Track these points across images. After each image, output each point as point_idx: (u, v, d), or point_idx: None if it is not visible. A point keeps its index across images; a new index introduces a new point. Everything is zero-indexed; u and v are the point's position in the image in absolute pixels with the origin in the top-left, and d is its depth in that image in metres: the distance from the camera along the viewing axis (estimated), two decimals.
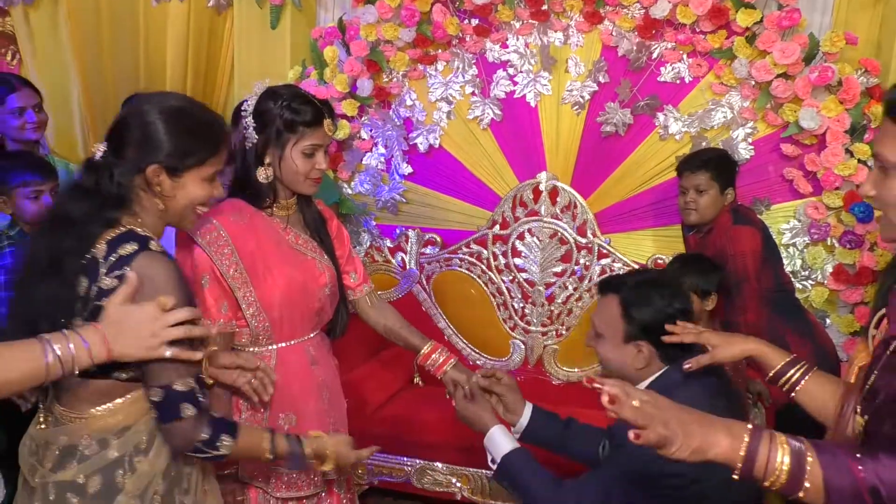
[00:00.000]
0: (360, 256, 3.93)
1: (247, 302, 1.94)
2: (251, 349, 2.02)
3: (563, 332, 3.68)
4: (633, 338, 1.86)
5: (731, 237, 2.83)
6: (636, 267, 3.55)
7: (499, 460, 1.95)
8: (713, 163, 2.95)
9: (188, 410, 1.49)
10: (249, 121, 1.95)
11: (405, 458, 3.20)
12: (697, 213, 2.95)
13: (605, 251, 3.59)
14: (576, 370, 3.65)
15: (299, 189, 2.02)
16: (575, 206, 3.61)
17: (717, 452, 1.22)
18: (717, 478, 1.64)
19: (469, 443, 3.02)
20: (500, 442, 1.98)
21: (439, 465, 3.17)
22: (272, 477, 2.00)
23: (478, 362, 3.77)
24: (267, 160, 1.96)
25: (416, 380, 2.32)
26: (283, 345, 2.03)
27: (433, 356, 2.21)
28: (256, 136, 1.95)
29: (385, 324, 2.26)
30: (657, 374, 1.86)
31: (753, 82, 3.31)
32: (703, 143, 3.43)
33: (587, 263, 3.61)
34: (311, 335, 2.11)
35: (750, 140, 3.40)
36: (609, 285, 1.93)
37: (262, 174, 1.97)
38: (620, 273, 1.96)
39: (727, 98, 3.40)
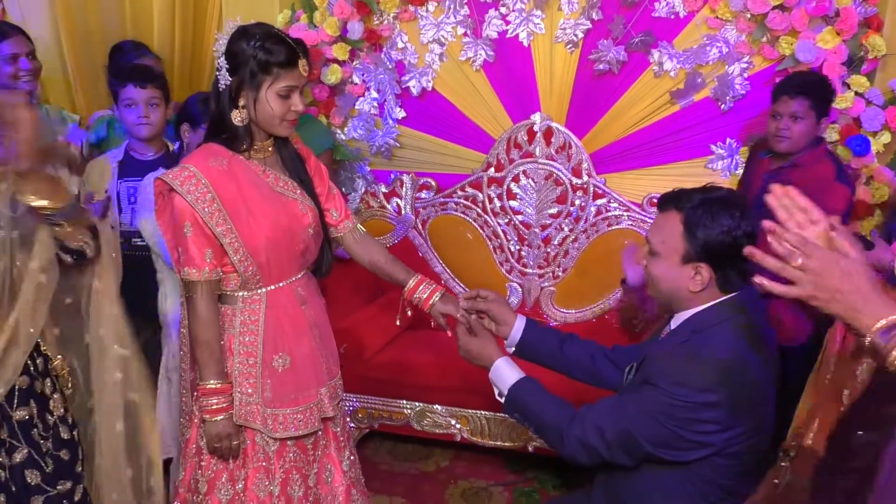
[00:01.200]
0: (356, 203, 3.93)
1: (232, 248, 1.95)
2: (240, 293, 2.03)
3: (560, 273, 3.69)
4: (692, 259, 1.74)
5: (828, 192, 2.61)
6: (630, 206, 3.54)
7: (506, 392, 1.94)
8: (814, 88, 2.78)
9: None
10: (222, 61, 1.92)
11: (404, 402, 3.25)
12: (790, 142, 2.79)
13: (600, 191, 3.58)
14: (573, 311, 3.67)
15: (276, 131, 2.00)
16: (570, 147, 3.58)
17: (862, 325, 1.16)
18: (745, 427, 1.67)
19: (467, 384, 3.05)
20: (506, 373, 1.96)
21: (438, 407, 3.21)
22: (269, 419, 2.03)
23: None
24: (241, 102, 1.94)
25: (398, 319, 2.29)
26: (272, 287, 2.05)
27: (419, 290, 2.20)
28: (230, 78, 1.92)
29: (370, 259, 2.25)
30: (710, 304, 1.77)
31: (749, 15, 3.25)
32: (699, 80, 3.39)
33: (583, 204, 3.60)
34: (299, 275, 2.12)
35: (746, 75, 3.36)
36: (671, 200, 1.78)
37: (237, 117, 1.95)
38: (684, 188, 1.82)
39: (722, 32, 3.35)
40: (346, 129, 3.94)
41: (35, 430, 1.86)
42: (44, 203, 1.73)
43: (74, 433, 1.97)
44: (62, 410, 1.94)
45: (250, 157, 2.02)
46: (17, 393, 1.87)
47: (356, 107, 3.90)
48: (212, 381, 1.98)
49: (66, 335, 1.98)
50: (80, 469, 1.97)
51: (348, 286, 3.41)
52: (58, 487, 1.91)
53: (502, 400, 1.95)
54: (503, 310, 2.12)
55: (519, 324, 2.12)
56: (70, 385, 1.98)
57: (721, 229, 1.71)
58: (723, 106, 3.41)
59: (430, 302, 2.18)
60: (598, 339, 3.39)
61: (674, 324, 1.85)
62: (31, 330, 1.82)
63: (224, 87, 1.94)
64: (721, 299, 1.77)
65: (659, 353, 1.80)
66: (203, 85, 3.88)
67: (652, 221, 1.84)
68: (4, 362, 1.78)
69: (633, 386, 1.84)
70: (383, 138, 3.89)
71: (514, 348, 2.12)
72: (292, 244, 2.04)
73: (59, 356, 1.96)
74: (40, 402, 1.89)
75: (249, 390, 2.03)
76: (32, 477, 1.87)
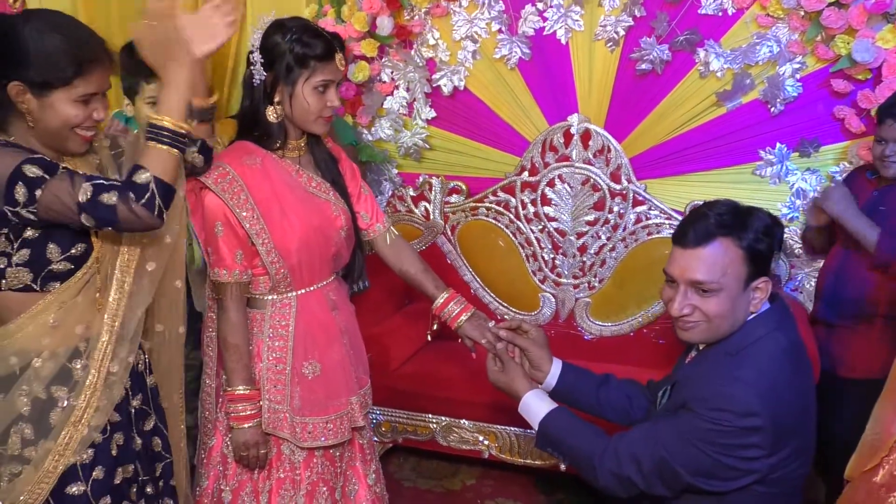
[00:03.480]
0: (382, 207, 3.99)
1: (265, 249, 2.02)
2: (270, 297, 2.10)
3: (596, 284, 3.73)
4: (753, 278, 1.77)
5: None
6: (672, 213, 3.56)
7: (536, 427, 1.98)
8: None
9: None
10: (256, 56, 1.99)
11: (430, 416, 3.31)
12: None
13: (640, 198, 3.62)
14: (609, 324, 3.71)
15: (311, 128, 2.07)
16: (608, 151, 3.62)
17: None
18: (790, 449, 1.70)
19: (497, 399, 3.09)
20: (535, 407, 2.00)
21: (466, 422, 3.26)
22: (297, 427, 2.10)
23: (506, 317, 3.82)
24: (276, 98, 2.01)
25: (429, 334, 2.35)
26: (303, 291, 2.12)
27: (449, 306, 2.25)
28: (265, 73, 1.99)
29: (401, 268, 2.31)
30: (744, 324, 1.81)
31: (802, 12, 3.28)
32: (747, 81, 3.42)
33: (621, 211, 3.64)
34: (330, 279, 2.19)
35: (798, 76, 3.38)
36: (712, 230, 1.77)
37: (272, 113, 2.02)
38: (697, 213, 1.82)
39: (773, 31, 3.38)
40: (373, 129, 4.01)
41: (157, 399, 1.94)
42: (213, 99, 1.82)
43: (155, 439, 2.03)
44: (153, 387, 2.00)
45: (283, 155, 2.09)
46: (147, 360, 1.95)
47: (384, 106, 3.96)
48: (240, 387, 2.04)
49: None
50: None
51: (377, 292, 3.47)
52: (170, 457, 2.00)
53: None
54: (541, 354, 2.15)
55: (555, 370, 2.15)
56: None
57: (766, 234, 1.78)
58: (773, 109, 3.44)
59: (458, 322, 2.24)
60: (636, 354, 3.52)
61: (701, 346, 1.89)
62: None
63: (259, 82, 2.01)
64: (754, 316, 1.82)
65: (692, 376, 1.84)
66: (225, 81, 3.96)
67: (684, 259, 1.80)
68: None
69: (668, 412, 1.86)
70: (412, 139, 3.96)
71: (547, 393, 2.14)
72: (324, 247, 2.11)
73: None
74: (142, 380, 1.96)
75: (278, 397, 2.10)
76: (156, 444, 1.96)
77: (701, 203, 3.32)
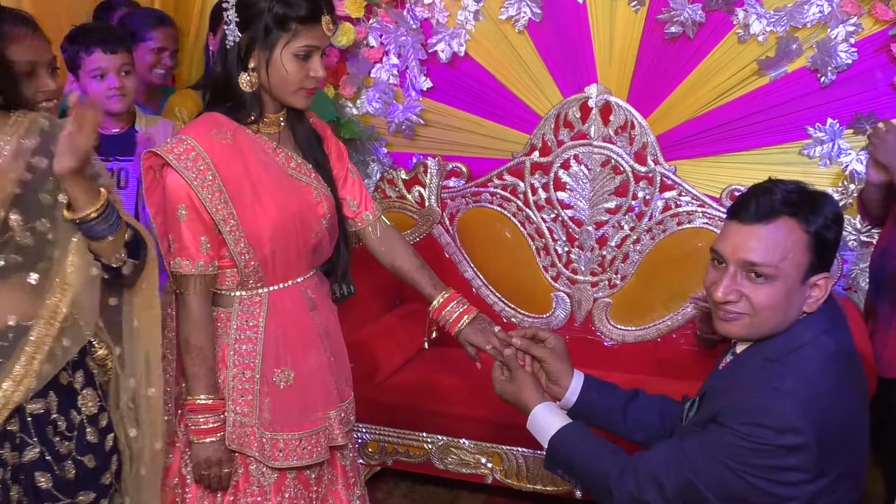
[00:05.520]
0: (370, 191, 3.98)
1: (233, 237, 2.02)
2: (238, 293, 2.11)
3: (618, 282, 3.74)
4: (814, 271, 1.76)
5: None
6: (706, 200, 3.57)
7: (546, 445, 1.97)
8: None
9: None
10: (232, 14, 1.98)
11: (424, 434, 3.32)
12: None
13: (669, 182, 3.63)
14: (633, 328, 3.72)
15: (289, 101, 2.07)
16: (632, 127, 3.63)
17: None
18: (837, 472, 1.70)
19: (502, 416, 3.10)
20: (545, 423, 1.99)
21: (466, 441, 3.27)
22: (267, 444, 2.10)
23: (513, 320, 3.84)
24: (251, 64, 2.01)
25: (426, 342, 2.35)
26: (276, 287, 2.12)
27: (448, 308, 2.24)
28: (239, 34, 1.99)
29: (393, 263, 2.30)
30: (791, 325, 1.80)
31: None
32: (794, 46, 3.42)
33: (647, 197, 3.65)
34: (308, 275, 2.19)
35: (852, 41, 3.38)
36: (777, 206, 1.75)
37: (246, 81, 2.02)
38: (761, 187, 1.79)
39: None
40: (358, 101, 4.02)
41: (51, 427, 1.94)
42: (88, 212, 1.85)
43: (108, 438, 2.03)
44: (94, 409, 2.00)
45: (258, 130, 2.09)
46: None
47: (372, 75, 3.97)
48: (202, 396, 2.05)
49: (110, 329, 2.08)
50: (109, 480, 2.04)
51: (364, 290, 3.45)
52: (78, 498, 1.97)
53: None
54: (561, 366, 2.14)
55: (576, 384, 2.14)
56: (108, 378, 2.06)
57: (831, 218, 1.77)
58: (823, 78, 3.44)
59: (458, 326, 2.22)
60: (664, 363, 3.52)
61: (738, 348, 1.89)
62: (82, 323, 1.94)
63: (232, 43, 2.00)
64: (803, 318, 1.80)
65: (725, 385, 1.83)
66: (188, 44, 3.96)
67: (740, 236, 1.78)
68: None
69: (695, 426, 1.85)
70: (404, 113, 3.96)
71: (566, 411, 2.13)
72: (303, 237, 2.11)
73: (104, 345, 2.04)
74: (65, 396, 1.96)
75: (245, 409, 2.10)
76: (44, 481, 1.93)
77: (741, 188, 3.33)
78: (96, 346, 2.02)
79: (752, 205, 1.76)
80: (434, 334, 2.34)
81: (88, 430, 1.99)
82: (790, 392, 1.69)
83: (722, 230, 1.83)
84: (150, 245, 2.05)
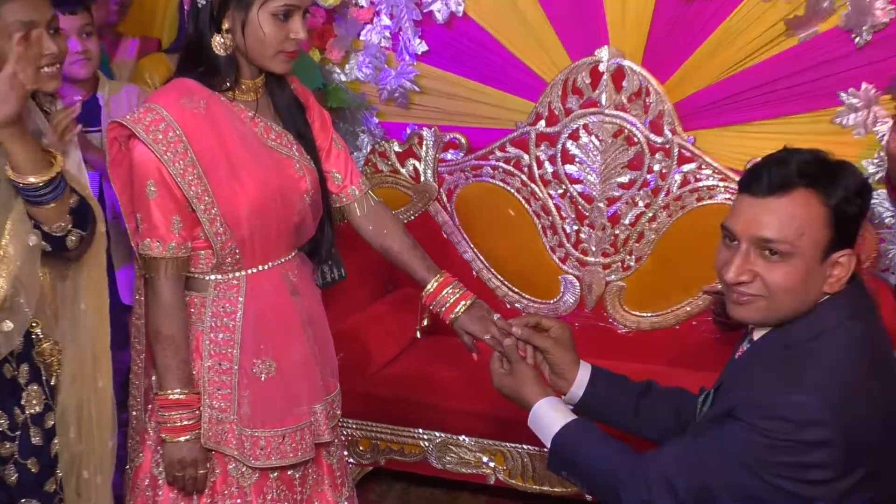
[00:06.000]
0: (359, 166, 3.99)
1: (208, 216, 2.02)
2: (213, 277, 2.11)
3: (632, 263, 3.75)
4: (835, 248, 1.74)
5: None
6: (728, 173, 3.57)
7: (549, 444, 1.96)
8: None
9: None
10: None
11: (420, 431, 3.32)
12: None
13: (688, 154, 3.62)
14: (648, 314, 3.73)
15: (267, 66, 2.07)
16: (647, 94, 3.63)
17: None
18: (867, 470, 1.70)
19: (505, 409, 3.09)
20: (548, 419, 1.98)
21: (466, 438, 3.28)
22: (247, 442, 2.11)
23: (517, 306, 3.85)
24: (226, 25, 2.01)
25: (418, 330, 2.35)
26: (255, 270, 2.13)
27: (443, 293, 2.23)
28: None
29: (383, 243, 2.30)
30: (813, 309, 1.78)
31: None
32: (825, 4, 3.41)
33: (664, 171, 3.65)
34: (290, 256, 2.20)
35: None
36: (792, 177, 1.73)
37: (219, 44, 2.01)
38: (775, 157, 1.77)
39: None
40: (347, 66, 4.02)
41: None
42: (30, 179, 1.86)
43: (54, 441, 2.03)
44: (39, 408, 2.00)
45: (234, 98, 2.09)
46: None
47: (361, 37, 3.97)
48: (175, 390, 2.05)
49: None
50: (53, 488, 2.04)
51: (351, 274, 3.45)
52: None
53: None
54: (566, 357, 2.13)
55: (582, 377, 2.12)
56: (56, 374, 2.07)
57: (858, 196, 1.74)
58: (857, 39, 3.43)
59: (454, 314, 2.21)
60: (683, 353, 3.52)
61: (755, 335, 1.88)
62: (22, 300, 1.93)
63: (204, 2, 2.00)
64: (825, 300, 1.78)
65: (742, 375, 1.83)
66: (161, 1, 3.95)
67: (752, 211, 1.76)
68: None
69: (710, 422, 1.84)
70: (397, 80, 3.96)
71: (572, 406, 2.12)
72: (284, 215, 2.11)
73: (51, 340, 2.05)
74: (8, 391, 1.96)
75: (222, 404, 2.10)
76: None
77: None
78: (41, 335, 2.02)
79: (765, 176, 1.74)
80: (426, 322, 2.33)
81: (32, 430, 2.00)
82: (811, 382, 1.68)
83: (733, 205, 1.82)
84: (100, 217, 2.05)
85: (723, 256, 1.81)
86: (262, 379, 2.12)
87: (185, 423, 2.07)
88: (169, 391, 2.05)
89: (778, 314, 1.78)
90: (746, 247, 1.75)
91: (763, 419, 1.67)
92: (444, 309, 2.22)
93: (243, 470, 2.14)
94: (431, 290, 2.24)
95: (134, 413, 2.28)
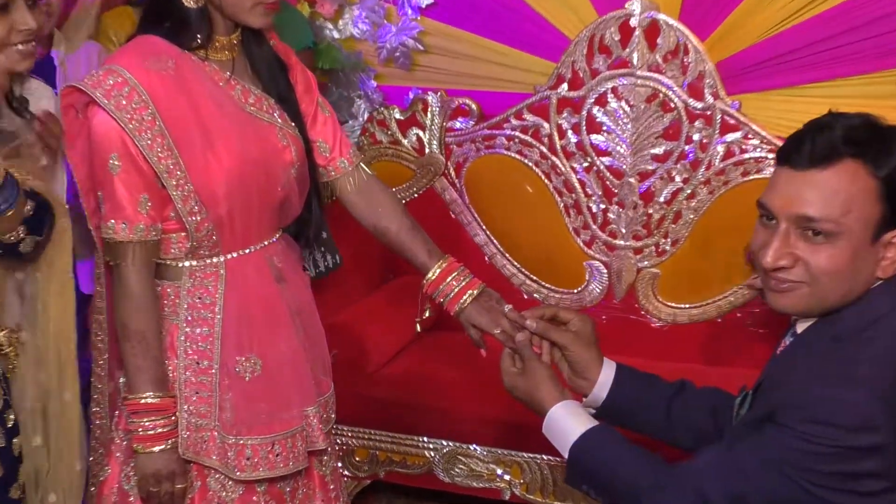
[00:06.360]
0: (355, 137, 4.00)
1: (180, 193, 2.02)
2: (188, 263, 2.11)
3: (668, 247, 3.75)
4: (888, 228, 1.73)
5: None
6: (778, 144, 3.56)
7: (566, 454, 1.96)
8: None
9: None
10: None
11: (425, 439, 3.34)
12: None
13: (732, 122, 3.62)
14: (686, 306, 3.73)
15: (244, 19, 2.07)
16: (685, 52, 3.62)
17: None
18: None
19: (521, 414, 3.10)
20: (564, 426, 1.97)
21: (477, 448, 3.29)
22: (230, 451, 2.12)
23: (536, 297, 3.86)
24: None
25: (418, 323, 2.36)
26: (235, 255, 2.13)
27: (447, 281, 2.23)
28: None
29: (377, 224, 2.29)
30: (864, 296, 1.78)
31: None
32: None
33: (704, 141, 3.65)
34: (273, 238, 2.20)
35: None
36: (837, 146, 1.71)
37: None
38: (818, 123, 1.73)
39: None
40: (340, 22, 4.01)
41: None
42: None
43: (16, 441, 2.04)
44: None
45: (207, 57, 2.08)
46: None
47: None
48: (147, 394, 2.04)
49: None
50: (18, 495, 2.04)
51: (345, 261, 3.47)
52: None
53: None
54: (587, 354, 2.12)
55: (605, 377, 2.12)
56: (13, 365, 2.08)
57: None
58: None
59: (458, 305, 2.21)
60: (726, 349, 3.52)
61: (799, 327, 1.87)
62: None
63: None
64: (878, 285, 1.77)
65: (784, 373, 1.82)
66: None
67: (792, 185, 1.75)
68: None
69: (748, 427, 1.84)
70: (398, 37, 3.96)
71: (594, 411, 2.12)
72: (267, 190, 2.11)
73: (7, 328, 2.07)
74: None
75: (202, 409, 2.10)
76: None
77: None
78: None
79: (807, 145, 1.72)
80: (427, 313, 2.34)
81: None
82: (864, 378, 1.67)
83: (771, 179, 1.81)
84: (62, 215, 2.05)
85: (759, 238, 1.81)
86: (247, 379, 2.13)
87: (160, 430, 2.06)
88: (140, 395, 2.05)
89: (823, 303, 1.77)
90: (786, 227, 1.74)
91: (807, 423, 1.67)
92: (447, 299, 2.22)
93: (226, 483, 2.14)
94: (433, 277, 2.23)
95: (97, 422, 2.28)
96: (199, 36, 2.05)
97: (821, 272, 1.72)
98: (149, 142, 1.98)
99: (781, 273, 1.75)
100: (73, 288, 2.09)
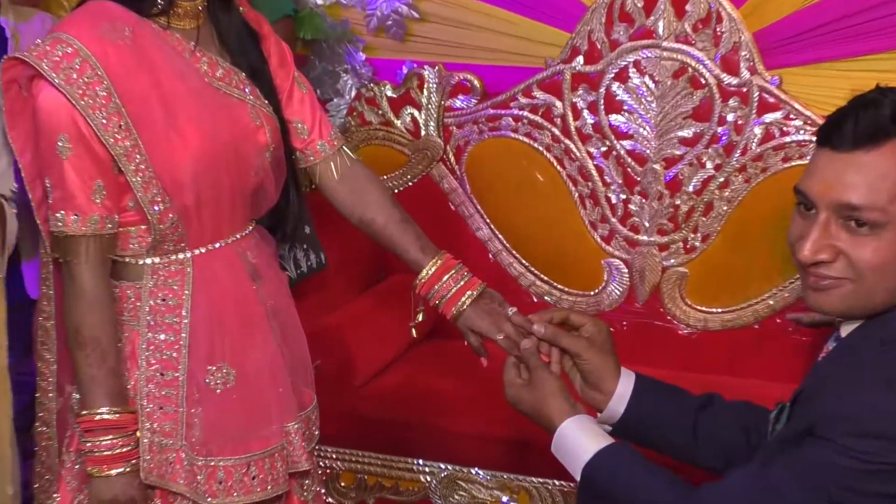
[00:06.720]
0: (340, 117, 4.00)
1: (141, 179, 2.02)
2: (150, 261, 2.12)
3: (697, 243, 3.75)
4: None
5: None
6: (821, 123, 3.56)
7: (579, 475, 1.97)
8: None
9: None
10: None
11: (420, 462, 3.34)
12: None
13: (771, 99, 3.62)
14: (718, 310, 3.74)
15: None
16: (718, 21, 3.62)
17: None
18: None
19: (531, 434, 3.11)
20: (577, 444, 1.98)
21: (479, 472, 3.29)
22: (200, 474, 2.12)
23: (546, 299, 3.87)
24: None
25: (413, 328, 2.36)
26: (202, 250, 2.14)
27: (442, 281, 2.25)
28: None
29: (362, 215, 2.31)
30: None
31: None
32: None
33: (740, 122, 3.65)
34: (246, 231, 2.21)
35: None
36: (885, 124, 1.72)
37: None
38: (864, 99, 1.73)
39: None
40: None
41: None
42: None
43: None
44: None
45: (169, 25, 2.09)
46: None
47: None
48: (102, 409, 2.04)
49: None
50: None
51: (329, 258, 3.47)
52: None
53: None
54: (602, 363, 2.13)
55: (623, 388, 2.13)
56: None
57: None
58: None
59: (455, 308, 2.23)
60: (764, 359, 3.53)
61: (843, 331, 1.88)
62: None
63: None
64: None
65: (826, 382, 1.83)
66: None
67: (833, 169, 1.75)
68: None
69: (784, 443, 1.84)
70: (390, 3, 3.96)
71: (610, 427, 2.13)
72: (238, 176, 2.12)
73: None
74: None
75: (167, 426, 2.11)
76: None
77: None
78: None
79: (850, 124, 1.73)
80: (421, 317, 2.34)
81: None
82: None
83: (810, 162, 1.82)
84: None
85: (797, 228, 1.82)
86: (218, 391, 2.13)
87: (119, 451, 2.06)
88: (95, 410, 2.04)
89: (869, 302, 1.78)
90: (826, 216, 1.75)
91: (851, 436, 1.67)
92: (443, 301, 2.23)
93: None
94: (427, 276, 2.25)
95: (44, 443, 2.28)
96: (159, 1, 2.06)
97: (865, 267, 1.73)
98: (103, 121, 1.97)
99: (821, 268, 1.76)
100: (3, 293, 2.11)
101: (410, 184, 3.86)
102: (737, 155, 3.68)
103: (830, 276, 1.76)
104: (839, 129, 1.73)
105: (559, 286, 3.87)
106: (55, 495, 2.19)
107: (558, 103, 3.81)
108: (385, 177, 3.80)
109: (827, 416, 1.71)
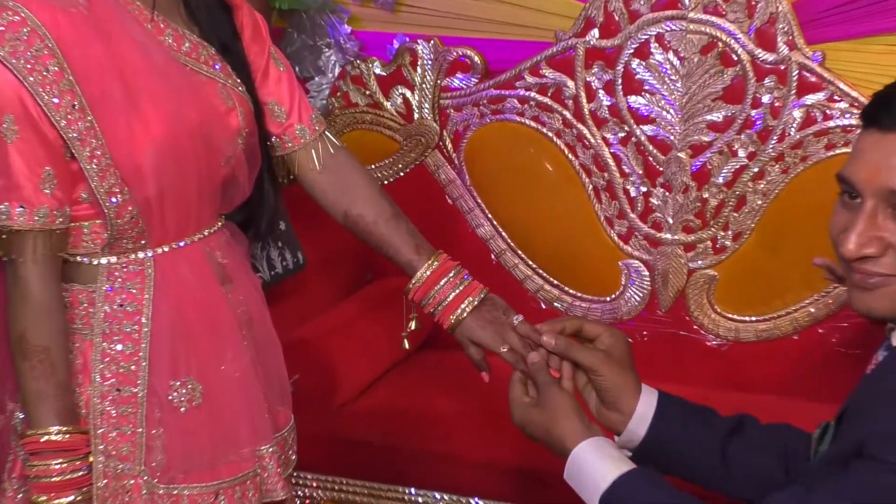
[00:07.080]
0: (322, 98, 4.01)
1: (96, 167, 2.02)
2: (105, 260, 2.12)
3: (728, 242, 3.77)
4: None
5: None
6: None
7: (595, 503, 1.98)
8: None
9: None
10: None
11: (412, 491, 3.36)
12: None
13: (813, 78, 3.63)
14: (751, 319, 3.75)
15: None
16: None
17: None
18: None
19: (539, 459, 3.12)
20: (593, 470, 1.99)
21: (480, 502, 3.31)
22: (160, 502, 2.12)
23: (556, 306, 3.89)
24: None
25: (405, 338, 2.37)
26: (165, 249, 2.14)
27: (439, 285, 2.26)
28: None
29: (347, 211, 2.32)
30: None
31: None
32: None
33: (776, 104, 3.66)
34: (215, 228, 2.22)
35: None
36: None
37: None
38: None
39: None
40: None
41: None
42: None
43: None
44: None
45: None
46: None
47: None
48: (51, 429, 2.05)
49: None
50: None
51: (310, 259, 3.48)
52: None
53: None
54: (620, 381, 2.14)
55: (645, 408, 2.14)
56: None
57: None
58: None
59: (453, 317, 2.24)
60: (803, 375, 3.52)
61: (894, 339, 1.88)
62: None
63: None
64: None
65: (874, 398, 1.83)
66: None
67: (879, 152, 1.77)
68: None
69: (830, 465, 1.85)
70: None
71: (630, 452, 2.14)
72: (207, 164, 2.12)
73: None
74: None
75: (123, 449, 2.11)
76: None
77: None
78: None
79: None
80: (414, 326, 2.35)
81: None
82: None
83: (854, 146, 1.83)
84: None
85: (840, 220, 1.83)
86: (183, 409, 2.13)
87: (69, 477, 2.05)
88: (42, 430, 2.04)
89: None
90: (873, 204, 1.77)
91: None
92: (440, 308, 2.24)
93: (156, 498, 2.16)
94: (422, 280, 2.26)
95: None
96: None
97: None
98: (54, 100, 1.97)
99: (867, 264, 1.77)
100: None
101: (402, 174, 3.89)
102: (773, 142, 3.69)
103: (878, 272, 1.77)
104: (887, 108, 1.75)
105: (571, 291, 3.90)
106: None
107: (570, 83, 3.83)
108: (373, 166, 3.83)
109: (878, 433, 1.71)
